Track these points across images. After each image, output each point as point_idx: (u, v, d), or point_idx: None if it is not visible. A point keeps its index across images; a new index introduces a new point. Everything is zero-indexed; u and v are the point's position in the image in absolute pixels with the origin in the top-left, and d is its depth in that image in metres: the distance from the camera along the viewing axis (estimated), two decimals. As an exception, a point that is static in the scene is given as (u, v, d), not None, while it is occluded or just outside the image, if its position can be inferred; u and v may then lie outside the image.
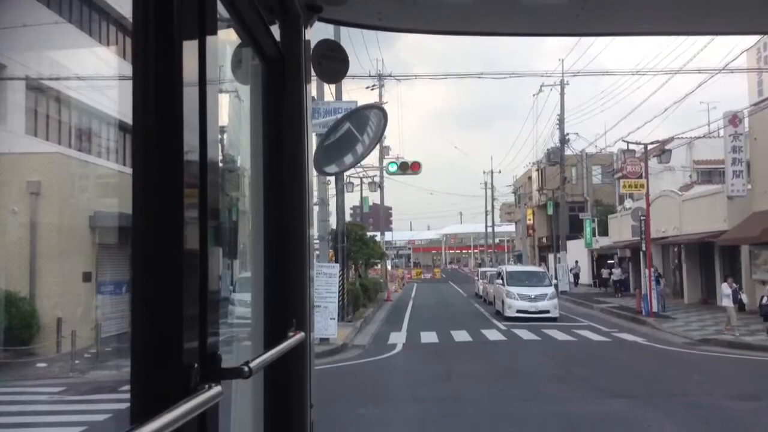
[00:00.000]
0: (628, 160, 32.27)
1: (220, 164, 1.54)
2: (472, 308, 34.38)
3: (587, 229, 44.44)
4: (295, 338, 1.87)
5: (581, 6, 2.22)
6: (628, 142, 30.98)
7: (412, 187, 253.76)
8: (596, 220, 46.11)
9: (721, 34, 3.99)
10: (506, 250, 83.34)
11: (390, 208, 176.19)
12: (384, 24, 2.45)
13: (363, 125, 2.68)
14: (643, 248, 26.94)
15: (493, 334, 22.47)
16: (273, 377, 1.94)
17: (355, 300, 27.14)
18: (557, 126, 43.94)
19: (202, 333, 1.22)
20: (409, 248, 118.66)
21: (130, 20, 1.16)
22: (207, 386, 1.18)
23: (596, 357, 17.55)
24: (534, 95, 66.03)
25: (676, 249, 35.29)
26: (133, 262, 1.17)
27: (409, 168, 29.62)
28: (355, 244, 34.53)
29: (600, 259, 46.12)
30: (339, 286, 20.69)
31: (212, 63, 1.29)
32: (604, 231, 45.33)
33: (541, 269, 34.03)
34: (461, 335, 21.96)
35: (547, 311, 26.07)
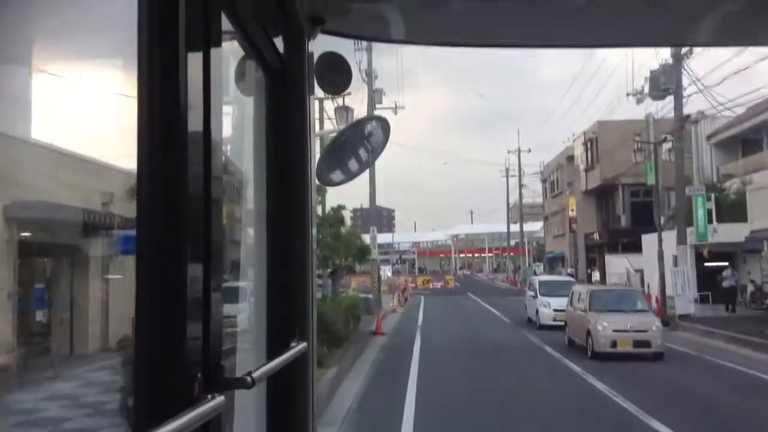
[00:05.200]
0: None
1: (224, 174, 1.50)
2: (545, 355, 19.64)
3: (699, 213, 25.59)
4: (297, 348, 1.90)
5: (585, 16, 2.28)
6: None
7: (420, 185, 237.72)
8: (713, 198, 27.42)
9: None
10: (527, 253, 65.17)
11: (393, 210, 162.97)
12: (387, 36, 2.55)
13: (366, 136, 2.70)
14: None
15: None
16: (276, 387, 1.98)
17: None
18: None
19: (204, 343, 1.26)
20: (413, 252, 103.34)
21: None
22: (210, 396, 1.21)
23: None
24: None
25: None
26: (137, 272, 1.20)
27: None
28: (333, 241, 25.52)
29: (713, 260, 30.26)
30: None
31: (216, 75, 1.35)
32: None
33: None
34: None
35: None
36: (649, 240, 37.28)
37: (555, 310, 24.92)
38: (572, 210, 51.83)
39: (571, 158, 54.71)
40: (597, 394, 13.29)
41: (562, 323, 22.92)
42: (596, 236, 49.39)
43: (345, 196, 74.17)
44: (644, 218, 43.68)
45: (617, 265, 43.69)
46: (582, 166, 49.94)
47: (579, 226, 49.86)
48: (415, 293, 53.36)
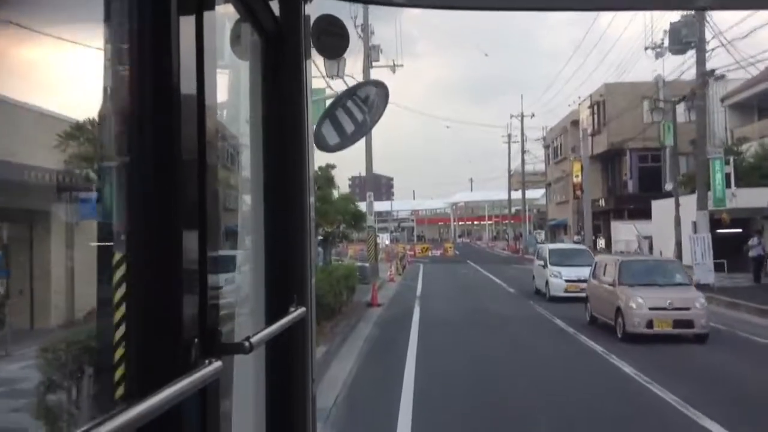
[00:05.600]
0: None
1: (219, 140, 1.54)
2: (557, 329, 17.76)
3: (717, 177, 23.79)
4: (296, 313, 1.91)
5: None
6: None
7: (420, 151, 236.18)
8: (732, 161, 25.59)
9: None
10: (528, 221, 63.90)
11: (391, 178, 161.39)
12: None
13: (365, 101, 2.61)
14: None
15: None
16: (274, 353, 1.98)
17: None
18: None
19: (201, 309, 1.27)
20: (412, 220, 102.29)
21: None
22: (207, 361, 1.22)
23: None
24: None
25: None
26: (132, 238, 1.21)
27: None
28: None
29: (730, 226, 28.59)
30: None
31: (210, 38, 1.33)
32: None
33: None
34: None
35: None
36: (659, 206, 35.62)
37: (567, 281, 23.34)
38: (577, 176, 50.34)
39: (576, 123, 53.07)
40: (627, 378, 11.44)
41: (575, 295, 21.62)
42: (602, 202, 48.02)
43: (343, 163, 72.27)
44: (652, 184, 42.46)
45: (624, 231, 42.17)
46: (588, 130, 47.96)
47: (585, 191, 48.11)
48: (414, 261, 52.01)
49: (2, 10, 1.50)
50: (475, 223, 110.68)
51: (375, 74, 32.79)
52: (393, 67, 33.75)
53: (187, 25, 1.20)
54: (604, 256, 21.83)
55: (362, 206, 30.90)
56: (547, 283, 24.24)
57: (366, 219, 30.06)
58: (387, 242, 69.05)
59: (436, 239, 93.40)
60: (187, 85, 1.19)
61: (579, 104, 52.40)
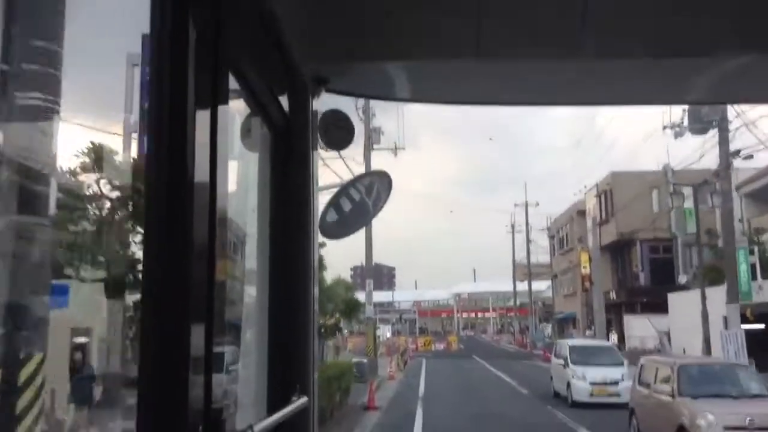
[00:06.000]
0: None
1: (228, 230, 1.56)
2: None
3: (742, 268, 22.08)
4: (298, 403, 1.94)
5: (584, 76, 2.40)
6: None
7: (422, 241, 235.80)
8: (756, 251, 24.08)
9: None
10: (533, 314, 62.21)
11: (393, 268, 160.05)
12: (390, 95, 2.63)
13: (369, 190, 2.98)
14: None
15: None
16: None
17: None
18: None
19: (206, 395, 1.30)
20: (414, 311, 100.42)
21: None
22: None
23: None
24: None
25: None
26: (142, 323, 1.24)
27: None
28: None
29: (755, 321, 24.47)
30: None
31: (223, 131, 1.40)
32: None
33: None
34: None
35: None
36: (677, 299, 33.63)
37: (592, 384, 20.79)
38: (585, 267, 48.68)
39: (582, 212, 51.86)
40: None
41: (602, 400, 19.65)
42: (612, 295, 45.81)
43: (345, 253, 70.73)
44: (665, 276, 40.95)
45: (638, 326, 40.10)
46: (596, 220, 46.46)
47: (595, 283, 46.24)
48: (416, 356, 49.49)
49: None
50: (479, 315, 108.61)
51: (376, 157, 31.84)
52: (395, 150, 32.68)
53: (202, 118, 1.27)
54: (656, 357, 17.73)
55: (362, 297, 28.98)
56: (568, 385, 21.38)
57: (364, 309, 28.02)
58: (388, 335, 66.80)
59: (439, 332, 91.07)
60: (201, 176, 1.25)
61: (585, 193, 51.17)
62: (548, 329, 64.00)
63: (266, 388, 2.01)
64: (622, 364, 21.65)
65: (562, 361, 22.58)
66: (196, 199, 1.20)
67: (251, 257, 2.14)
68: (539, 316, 73.02)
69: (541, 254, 69.65)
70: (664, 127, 28.30)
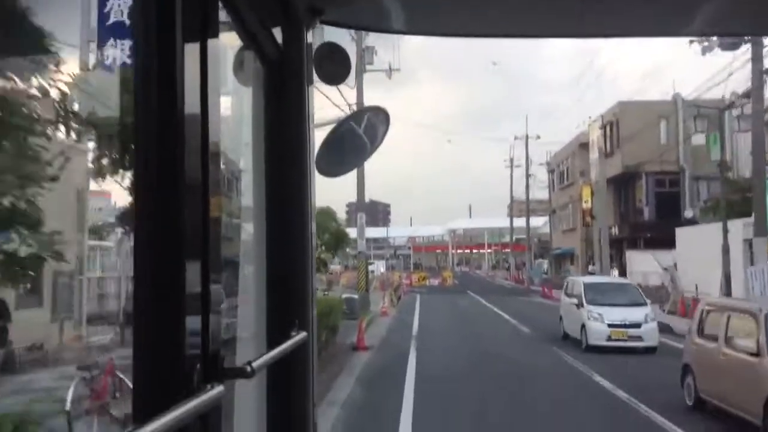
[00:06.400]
0: None
1: (222, 166, 1.60)
2: None
3: (768, 200, 20.79)
4: (297, 338, 1.94)
5: (585, 7, 2.33)
6: None
7: (418, 176, 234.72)
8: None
9: (730, 35, 3.29)
10: (529, 250, 60.95)
11: (388, 205, 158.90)
12: (386, 26, 2.58)
13: (366, 127, 2.70)
14: None
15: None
16: (276, 377, 2.01)
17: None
18: None
19: (204, 333, 1.30)
20: (409, 247, 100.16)
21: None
22: (209, 386, 1.25)
23: None
24: None
25: None
26: (136, 263, 1.24)
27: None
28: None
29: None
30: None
31: (214, 65, 1.38)
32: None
33: None
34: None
35: None
36: (685, 234, 31.97)
37: (610, 325, 18.65)
38: (586, 201, 46.82)
39: (584, 145, 49.90)
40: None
41: (621, 344, 18.03)
42: (614, 230, 44.17)
43: (342, 192, 68.83)
44: (670, 210, 39.34)
45: (641, 262, 38.48)
46: (593, 154, 44.52)
47: (598, 218, 44.53)
48: (410, 291, 48.28)
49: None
50: (474, 251, 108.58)
51: (369, 78, 29.55)
52: (389, 72, 30.27)
53: (191, 51, 1.24)
54: (722, 301, 14.40)
55: (354, 233, 27.33)
56: (583, 327, 19.25)
57: (356, 244, 26.24)
58: (382, 270, 65.87)
59: (434, 267, 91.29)
60: (192, 112, 1.23)
61: (589, 125, 48.93)
62: (545, 265, 62.79)
63: (265, 324, 2.03)
64: (644, 304, 19.90)
65: (575, 300, 20.28)
66: (187, 134, 1.19)
67: (247, 193, 2.13)
68: (535, 252, 71.88)
69: (538, 190, 68.07)
70: (691, 41, 25.96)
